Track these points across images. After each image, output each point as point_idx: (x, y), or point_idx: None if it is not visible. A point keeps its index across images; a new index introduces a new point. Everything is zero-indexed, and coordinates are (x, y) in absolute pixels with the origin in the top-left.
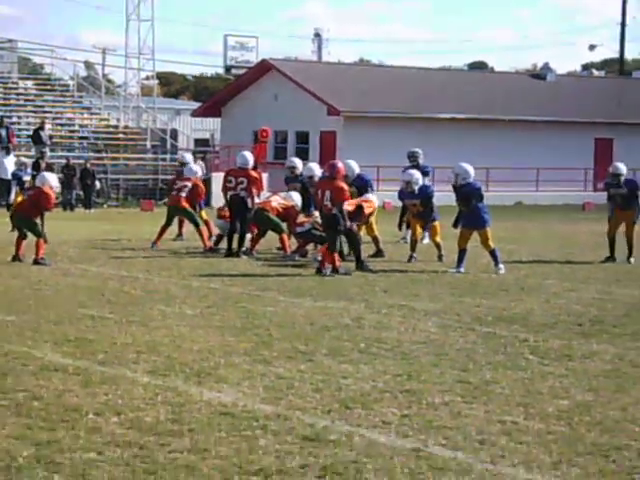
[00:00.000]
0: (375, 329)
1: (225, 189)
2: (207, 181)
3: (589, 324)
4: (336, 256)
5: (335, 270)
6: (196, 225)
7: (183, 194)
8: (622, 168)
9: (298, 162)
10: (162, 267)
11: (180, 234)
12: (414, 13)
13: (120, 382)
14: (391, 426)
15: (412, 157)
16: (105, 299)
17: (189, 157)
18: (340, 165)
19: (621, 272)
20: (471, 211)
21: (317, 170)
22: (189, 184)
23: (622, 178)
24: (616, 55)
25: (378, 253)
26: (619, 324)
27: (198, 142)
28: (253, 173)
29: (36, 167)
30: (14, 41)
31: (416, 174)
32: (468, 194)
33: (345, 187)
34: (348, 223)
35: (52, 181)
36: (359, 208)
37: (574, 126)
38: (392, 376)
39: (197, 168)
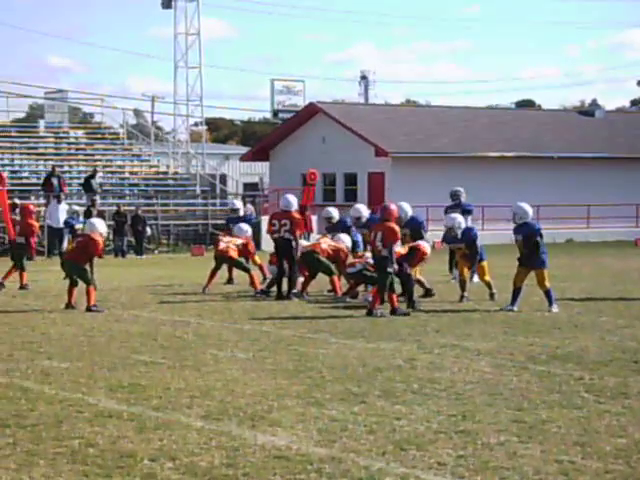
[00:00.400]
0: (428, 370)
1: (271, 232)
2: (257, 225)
3: None
4: (394, 297)
5: (394, 311)
6: (247, 271)
7: (232, 246)
8: None
9: (334, 211)
10: (214, 311)
11: (230, 278)
12: (461, 52)
13: (174, 427)
14: (447, 467)
15: (455, 196)
16: (158, 344)
17: (239, 203)
18: (393, 207)
19: None
20: (530, 251)
21: (364, 211)
22: (239, 242)
23: None
24: None
25: (427, 293)
26: None
27: (247, 186)
28: (296, 215)
29: (88, 215)
30: (64, 91)
31: (458, 218)
32: (528, 234)
33: (396, 229)
34: (396, 266)
35: (100, 227)
36: (413, 250)
37: (624, 162)
38: (446, 417)
39: (247, 227)
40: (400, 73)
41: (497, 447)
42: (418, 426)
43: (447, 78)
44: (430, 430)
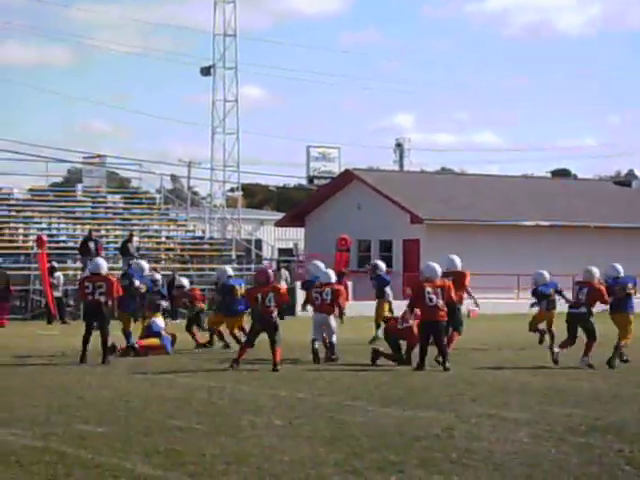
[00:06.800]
0: (466, 439)
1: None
2: (292, 290)
3: None
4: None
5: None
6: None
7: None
8: None
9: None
10: (250, 377)
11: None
12: (500, 121)
13: None
14: None
15: (375, 268)
16: (193, 410)
17: (185, 281)
18: (269, 272)
19: None
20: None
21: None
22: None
23: None
24: None
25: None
26: None
27: (282, 252)
28: (111, 278)
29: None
30: (103, 156)
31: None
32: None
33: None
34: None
35: None
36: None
37: None
38: None
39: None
40: (437, 141)
41: None
42: None
43: (483, 146)
44: None
